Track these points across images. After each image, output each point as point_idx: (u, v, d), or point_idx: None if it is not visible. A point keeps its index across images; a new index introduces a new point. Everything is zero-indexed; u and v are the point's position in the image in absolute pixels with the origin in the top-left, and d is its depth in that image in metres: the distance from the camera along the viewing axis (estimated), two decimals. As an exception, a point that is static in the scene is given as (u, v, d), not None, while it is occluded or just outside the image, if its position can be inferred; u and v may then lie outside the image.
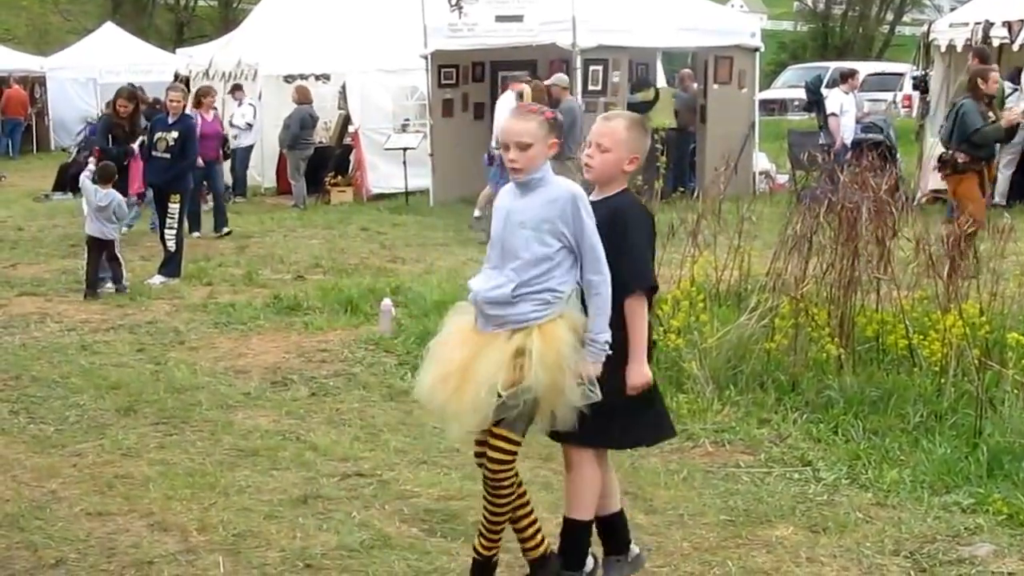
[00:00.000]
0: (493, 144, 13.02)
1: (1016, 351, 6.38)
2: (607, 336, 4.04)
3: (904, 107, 27.33)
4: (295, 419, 6.78)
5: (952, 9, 24.72)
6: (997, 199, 14.26)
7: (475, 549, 4.28)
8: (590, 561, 4.44)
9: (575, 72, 15.58)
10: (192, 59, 23.22)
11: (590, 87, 15.79)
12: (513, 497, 4.15)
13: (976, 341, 6.51)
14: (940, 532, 5.00)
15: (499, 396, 3.99)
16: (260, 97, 19.02)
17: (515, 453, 4.06)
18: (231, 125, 17.98)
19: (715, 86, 17.36)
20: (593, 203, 4.14)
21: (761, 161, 17.98)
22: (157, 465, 5.94)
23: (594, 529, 4.39)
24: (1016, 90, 15.35)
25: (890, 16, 54.38)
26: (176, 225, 11.40)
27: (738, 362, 6.95)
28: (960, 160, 10.59)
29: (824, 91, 18.89)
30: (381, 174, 18.24)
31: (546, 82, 14.47)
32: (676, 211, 8.54)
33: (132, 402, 7.09)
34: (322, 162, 18.39)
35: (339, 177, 18.44)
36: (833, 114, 16.66)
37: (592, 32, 15.67)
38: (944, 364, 6.52)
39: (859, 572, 4.67)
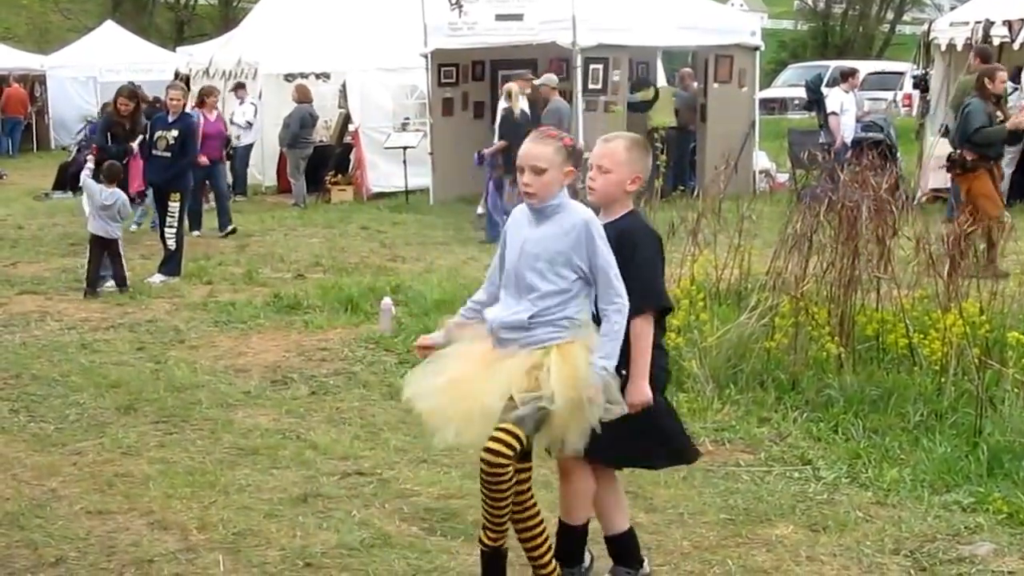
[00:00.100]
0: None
1: (1016, 350, 6.38)
2: (606, 362, 3.98)
3: (904, 106, 27.30)
4: (295, 418, 6.78)
5: (952, 8, 24.68)
6: (997, 198, 14.25)
7: (481, 541, 4.21)
8: (587, 557, 4.45)
9: (575, 71, 15.58)
10: (192, 58, 23.26)
11: (590, 86, 15.76)
12: (510, 492, 4.05)
13: (976, 340, 6.51)
14: (940, 531, 5.00)
15: (511, 400, 3.96)
16: (260, 96, 19.00)
17: (515, 449, 3.97)
18: (232, 123, 17.96)
19: (715, 85, 17.35)
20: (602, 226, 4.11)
21: (761, 160, 17.96)
22: (157, 464, 5.95)
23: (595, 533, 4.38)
24: (1016, 89, 15.33)
25: (890, 15, 54.37)
26: (176, 224, 11.40)
27: (738, 361, 6.95)
28: (968, 159, 10.58)
29: (824, 90, 18.83)
30: (381, 173, 18.24)
31: (535, 81, 14.47)
32: (676, 210, 8.56)
33: (132, 400, 7.09)
34: (322, 161, 18.39)
35: (339, 176, 18.44)
36: (833, 113, 16.65)
37: (592, 31, 15.65)
38: (944, 363, 6.51)
39: (859, 571, 4.66)
